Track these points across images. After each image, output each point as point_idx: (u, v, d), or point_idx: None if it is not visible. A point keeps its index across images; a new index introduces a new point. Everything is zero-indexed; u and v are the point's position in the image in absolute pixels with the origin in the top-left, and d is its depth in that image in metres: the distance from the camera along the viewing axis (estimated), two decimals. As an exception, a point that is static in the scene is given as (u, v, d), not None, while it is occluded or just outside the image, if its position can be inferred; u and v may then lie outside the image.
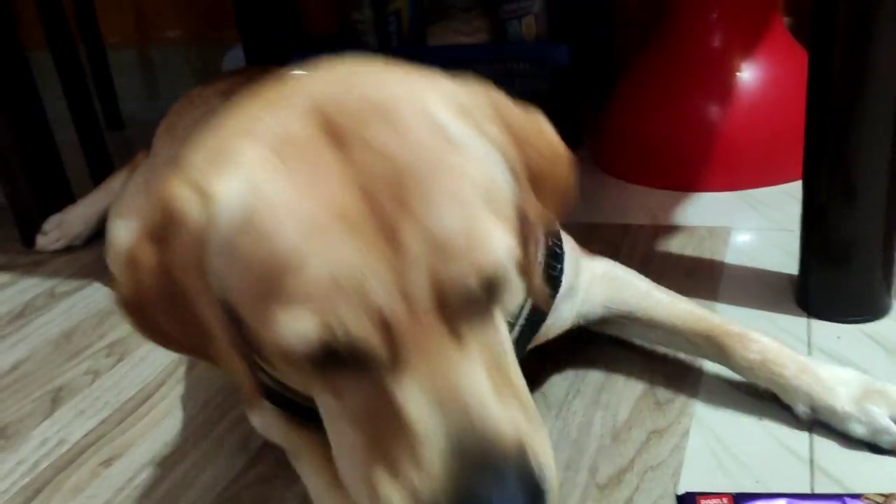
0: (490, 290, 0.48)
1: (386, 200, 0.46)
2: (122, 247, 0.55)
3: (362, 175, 0.46)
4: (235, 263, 0.47)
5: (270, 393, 0.73)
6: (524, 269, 0.54)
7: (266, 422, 0.82)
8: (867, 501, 0.63)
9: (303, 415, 0.73)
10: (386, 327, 0.45)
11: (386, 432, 0.47)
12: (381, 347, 0.46)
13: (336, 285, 0.44)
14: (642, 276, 0.90)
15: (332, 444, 0.53)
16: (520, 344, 0.73)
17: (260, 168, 0.47)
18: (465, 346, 0.48)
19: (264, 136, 0.49)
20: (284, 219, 0.45)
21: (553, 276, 0.76)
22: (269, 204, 0.46)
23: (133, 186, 1.21)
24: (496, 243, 0.47)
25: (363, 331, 0.45)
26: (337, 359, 0.46)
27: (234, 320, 0.50)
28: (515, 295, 0.57)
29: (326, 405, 0.52)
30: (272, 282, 0.45)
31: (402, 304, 0.45)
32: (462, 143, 0.50)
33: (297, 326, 0.44)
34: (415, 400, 0.46)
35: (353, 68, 0.54)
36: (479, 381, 0.47)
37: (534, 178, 0.56)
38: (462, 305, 0.47)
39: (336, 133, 0.48)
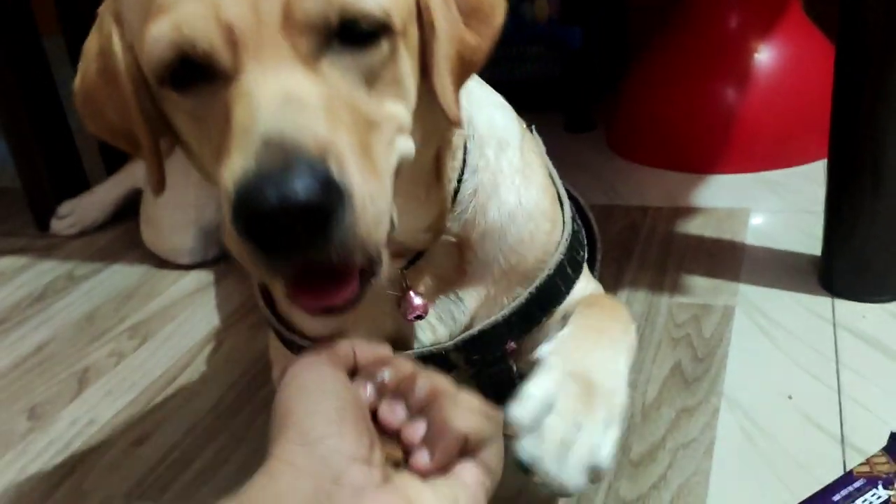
0: (350, 30, 0.49)
1: None
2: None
3: None
4: (131, 2, 0.52)
5: (300, 350, 0.74)
6: (431, 75, 0.55)
7: None
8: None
9: None
10: (233, 36, 0.48)
11: (223, 139, 0.49)
12: (225, 53, 0.48)
13: None
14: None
15: (201, 160, 0.56)
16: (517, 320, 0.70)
17: None
18: (313, 70, 0.49)
19: None
20: None
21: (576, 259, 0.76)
22: None
23: None
24: None
25: (208, 35, 0.47)
26: (192, 72, 0.49)
27: (154, 100, 0.54)
28: (404, 81, 0.55)
29: (188, 130, 0.55)
30: (148, 5, 0.50)
31: (251, 17, 0.47)
32: None
33: (154, 33, 0.49)
34: (242, 99, 0.47)
35: None
36: (309, 92, 0.47)
37: (461, 2, 0.56)
38: (312, 28, 0.48)
39: None
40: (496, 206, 0.69)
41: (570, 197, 0.83)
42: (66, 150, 1.48)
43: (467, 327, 0.68)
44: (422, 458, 0.49)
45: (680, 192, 1.30)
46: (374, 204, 0.48)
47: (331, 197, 0.45)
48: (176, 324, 1.10)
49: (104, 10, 0.56)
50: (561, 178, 0.78)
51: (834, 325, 0.89)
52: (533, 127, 0.78)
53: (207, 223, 1.21)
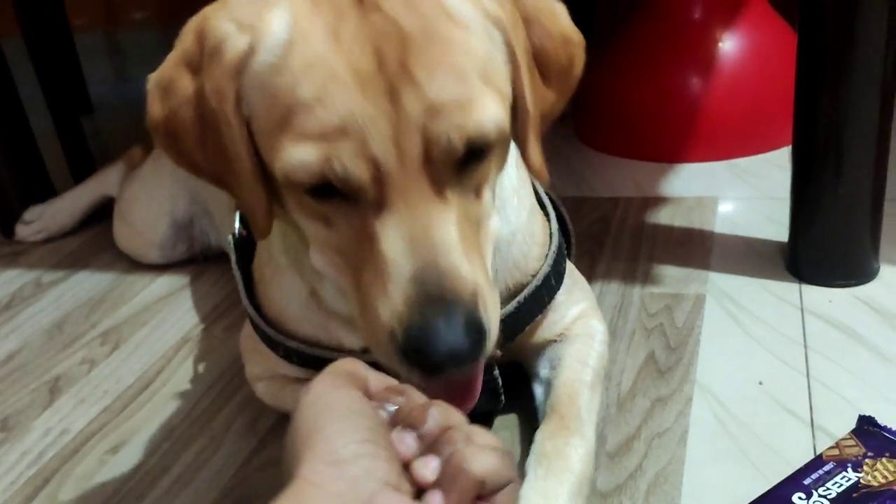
0: (473, 151, 0.54)
1: (392, 63, 0.52)
2: (155, 75, 0.60)
3: (375, 36, 0.52)
4: (265, 95, 0.54)
5: (287, 352, 0.76)
6: (524, 148, 0.62)
7: (274, 390, 0.83)
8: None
9: (307, 362, 0.75)
10: (377, 172, 0.52)
11: (363, 261, 0.55)
12: (370, 186, 0.53)
13: (341, 128, 0.52)
14: (602, 346, 0.81)
15: (317, 257, 0.61)
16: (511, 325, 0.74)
17: (300, 13, 0.54)
18: (445, 201, 0.54)
19: None
20: (313, 63, 0.52)
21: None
22: (304, 47, 0.53)
23: None
24: (483, 109, 0.54)
25: (357, 169, 0.52)
26: (331, 191, 0.54)
27: (257, 153, 0.57)
28: (501, 169, 0.62)
29: (316, 233, 0.59)
30: (290, 116, 0.52)
31: (394, 154, 0.52)
32: (463, 19, 0.55)
33: (301, 156, 0.52)
34: (390, 235, 0.53)
35: None
36: (450, 231, 0.54)
37: (539, 60, 0.61)
38: (446, 162, 0.54)
39: None
40: (506, 223, 0.73)
41: (549, 198, 0.84)
42: (28, 153, 1.45)
43: None
44: (435, 500, 0.46)
45: (649, 182, 1.31)
46: (496, 310, 0.56)
47: (482, 339, 0.53)
48: (148, 329, 1.08)
49: (205, 58, 0.56)
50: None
51: (802, 310, 0.91)
52: None
53: (181, 215, 1.20)
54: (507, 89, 0.57)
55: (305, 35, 0.53)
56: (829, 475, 0.63)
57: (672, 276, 1.01)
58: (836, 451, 0.65)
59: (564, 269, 0.79)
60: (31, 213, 1.42)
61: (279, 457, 0.80)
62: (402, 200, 0.53)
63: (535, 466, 0.67)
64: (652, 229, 1.15)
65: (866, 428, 0.68)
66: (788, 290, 0.95)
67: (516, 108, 0.59)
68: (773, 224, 1.09)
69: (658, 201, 1.24)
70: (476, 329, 0.53)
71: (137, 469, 0.81)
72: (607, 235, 1.15)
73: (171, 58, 0.59)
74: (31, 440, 0.88)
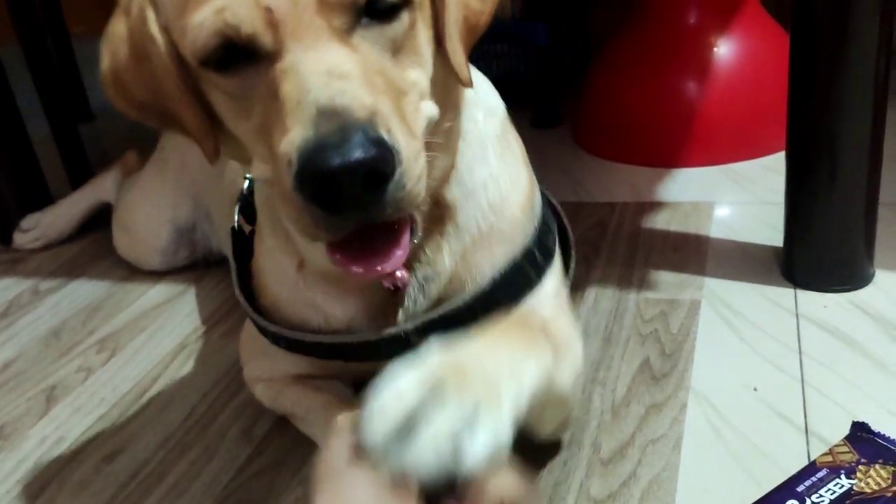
0: (375, 5, 0.54)
1: None
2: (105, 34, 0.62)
3: None
4: None
5: (275, 337, 0.76)
6: (441, 38, 0.60)
7: (274, 391, 0.84)
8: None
9: (293, 346, 0.75)
10: (272, 18, 0.52)
11: (269, 113, 0.54)
12: (267, 35, 0.52)
13: None
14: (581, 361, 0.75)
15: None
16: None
17: None
18: (348, 44, 0.53)
19: None
20: None
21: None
22: None
23: None
24: None
25: (251, 19, 0.52)
26: (235, 57, 0.54)
27: (189, 75, 0.58)
28: (421, 49, 0.59)
29: (227, 107, 0.59)
30: None
31: (287, 2, 0.52)
32: None
33: (197, 19, 0.52)
34: (289, 76, 0.52)
35: None
36: (348, 65, 0.52)
37: None
38: (342, 4, 0.53)
39: None
40: (482, 166, 0.71)
41: (548, 202, 0.84)
42: (26, 160, 1.45)
43: (438, 301, 0.69)
44: None
45: (645, 187, 1.31)
46: (416, 162, 0.53)
47: (385, 155, 0.50)
48: (145, 336, 1.09)
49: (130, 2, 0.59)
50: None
51: (797, 315, 0.91)
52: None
53: (183, 221, 1.20)
54: None
55: None
56: (823, 482, 0.63)
57: (667, 282, 1.02)
58: (829, 458, 0.65)
59: (553, 247, 0.76)
60: (29, 221, 1.42)
61: (275, 463, 0.80)
62: (298, 44, 0.52)
63: (487, 328, 0.60)
64: (648, 234, 1.15)
65: (860, 434, 0.68)
66: (783, 295, 0.95)
67: (434, 4, 0.59)
68: (769, 229, 1.09)
69: (654, 206, 1.24)
70: (374, 143, 0.49)
71: (133, 477, 0.81)
72: (603, 240, 1.15)
73: (115, 12, 0.61)
74: (27, 448, 0.88)
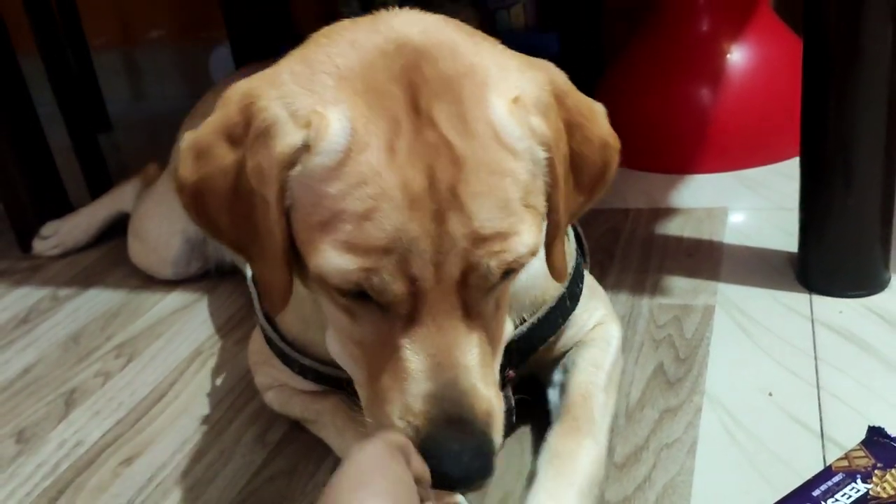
0: (505, 276, 0.56)
1: (443, 185, 0.52)
2: (191, 136, 0.60)
3: (429, 155, 0.53)
4: (313, 195, 0.54)
5: (303, 369, 0.77)
6: (549, 252, 0.64)
7: (283, 398, 0.85)
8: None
9: (322, 380, 0.77)
10: (413, 288, 0.54)
11: (383, 363, 0.56)
12: (404, 305, 0.54)
13: (385, 248, 0.52)
14: (617, 352, 0.82)
15: (333, 344, 0.63)
16: (522, 348, 0.75)
17: (355, 115, 0.53)
18: (471, 322, 0.56)
19: (357, 84, 0.54)
20: (367, 180, 0.52)
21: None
22: (360, 159, 0.52)
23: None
24: (521, 237, 0.55)
25: (394, 286, 0.53)
26: (364, 295, 0.55)
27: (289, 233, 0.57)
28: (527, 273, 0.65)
29: (339, 322, 0.60)
30: (335, 222, 0.53)
31: (432, 274, 0.53)
32: (512, 142, 0.55)
33: (340, 264, 0.53)
34: (415, 350, 0.55)
35: (446, 33, 0.58)
36: (472, 353, 0.56)
37: (575, 164, 0.62)
38: (480, 287, 0.56)
39: (415, 104, 0.54)
40: (524, 271, 0.71)
41: None
42: (46, 170, 1.48)
43: None
44: None
45: (659, 193, 1.31)
46: (501, 421, 0.58)
47: (493, 464, 0.55)
48: (162, 342, 1.10)
49: (251, 135, 0.55)
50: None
51: (812, 321, 0.91)
52: None
53: (194, 233, 1.21)
54: (542, 207, 0.58)
55: (362, 146, 0.52)
56: (839, 486, 0.63)
57: (681, 287, 1.01)
58: (845, 462, 0.65)
59: (580, 291, 0.80)
60: (48, 229, 1.44)
61: (289, 469, 0.81)
62: (431, 318, 0.54)
63: (546, 467, 0.67)
64: (661, 240, 1.15)
65: (876, 439, 0.67)
66: (798, 300, 0.95)
67: (549, 218, 0.60)
68: (783, 234, 1.09)
69: (668, 212, 1.24)
70: (487, 452, 0.54)
71: (150, 480, 0.82)
72: (617, 246, 1.15)
73: (211, 123, 0.58)
74: (46, 452, 0.89)
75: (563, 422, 0.71)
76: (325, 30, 0.61)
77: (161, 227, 1.23)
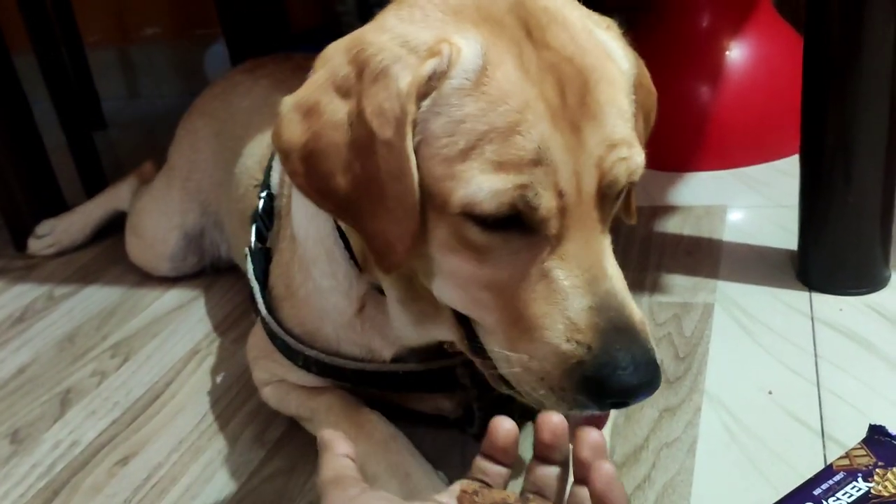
0: (626, 187, 0.58)
1: (573, 97, 0.53)
2: (293, 98, 0.58)
3: (554, 70, 0.54)
4: (451, 120, 0.53)
5: (307, 361, 0.76)
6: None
7: (280, 394, 0.84)
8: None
9: (327, 371, 0.76)
10: (562, 204, 0.53)
11: (528, 296, 0.55)
12: (555, 221, 0.53)
13: (535, 158, 0.52)
14: None
15: (447, 296, 0.60)
16: None
17: (484, 41, 0.54)
18: (605, 231, 0.57)
19: (474, 15, 0.56)
20: (509, 91, 0.52)
21: None
22: (498, 74, 0.53)
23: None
24: (640, 150, 0.57)
25: (548, 201, 0.52)
26: (510, 222, 0.53)
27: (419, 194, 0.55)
28: None
29: (458, 269, 0.57)
30: (480, 143, 0.52)
31: (575, 187, 0.53)
32: (620, 64, 0.59)
33: (494, 185, 0.52)
34: (568, 268, 0.54)
35: None
36: (615, 264, 0.57)
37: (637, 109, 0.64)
38: (611, 196, 0.56)
39: (528, 31, 0.55)
40: None
41: None
42: (41, 168, 1.47)
43: None
44: None
45: (658, 191, 1.31)
46: None
47: (659, 378, 0.54)
48: (158, 341, 1.09)
49: (363, 82, 0.54)
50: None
51: (812, 318, 0.90)
52: None
53: (191, 228, 1.21)
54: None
55: (497, 62, 0.53)
56: (840, 485, 0.62)
57: (680, 285, 1.01)
58: (846, 461, 0.65)
59: None
60: (43, 227, 1.43)
61: (287, 467, 0.80)
62: (579, 233, 0.54)
63: None
64: (660, 238, 1.15)
65: (877, 437, 0.67)
66: (798, 298, 0.94)
67: None
68: (783, 232, 1.09)
69: (667, 210, 1.23)
70: (654, 359, 0.54)
71: (147, 480, 0.81)
72: (616, 244, 1.13)
73: (315, 80, 0.57)
74: (41, 452, 0.89)
75: None
76: None
77: (158, 223, 1.22)
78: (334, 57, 0.57)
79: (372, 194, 0.55)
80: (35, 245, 1.43)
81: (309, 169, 0.57)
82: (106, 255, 1.39)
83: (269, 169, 0.87)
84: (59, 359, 1.08)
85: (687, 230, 1.16)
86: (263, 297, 0.81)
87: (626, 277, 1.07)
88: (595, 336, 0.53)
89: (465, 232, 0.55)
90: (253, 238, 0.83)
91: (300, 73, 0.60)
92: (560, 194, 0.53)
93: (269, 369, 0.85)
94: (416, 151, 0.54)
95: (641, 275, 1.05)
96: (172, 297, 1.21)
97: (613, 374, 0.52)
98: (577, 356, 0.53)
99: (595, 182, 0.54)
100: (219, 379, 0.98)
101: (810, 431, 0.74)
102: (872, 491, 0.61)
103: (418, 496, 0.61)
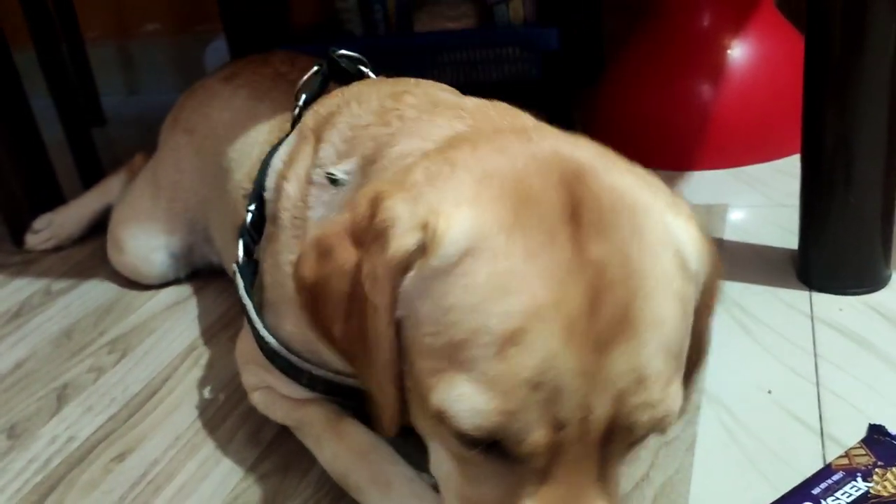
0: (645, 436, 0.47)
1: (609, 308, 0.42)
2: (319, 233, 0.54)
3: (594, 269, 0.43)
4: (434, 304, 0.45)
5: (312, 380, 0.74)
6: None
7: (267, 401, 0.83)
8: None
9: (333, 390, 0.74)
10: (555, 439, 0.43)
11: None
12: (541, 458, 0.44)
13: (533, 383, 0.41)
14: None
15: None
16: None
17: (493, 218, 0.44)
18: (605, 483, 0.46)
19: (503, 185, 0.46)
20: (505, 286, 0.42)
21: None
22: (492, 263, 0.43)
23: None
24: (674, 396, 0.45)
25: (539, 437, 0.42)
26: (492, 447, 0.44)
27: (401, 348, 0.48)
28: None
29: (449, 478, 0.51)
30: (467, 346, 0.43)
31: (579, 422, 0.43)
32: (693, 274, 0.47)
33: (474, 405, 0.42)
34: None
35: (599, 151, 0.53)
36: None
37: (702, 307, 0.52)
38: (622, 444, 0.45)
39: (577, 211, 0.44)
40: None
41: None
42: (40, 164, 1.46)
43: None
44: None
45: (658, 190, 1.30)
46: None
47: None
48: (155, 337, 1.09)
49: (371, 235, 0.49)
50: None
51: (812, 318, 0.90)
52: None
53: (178, 248, 1.17)
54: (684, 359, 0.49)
55: (497, 251, 0.43)
56: (839, 485, 0.62)
57: (680, 284, 1.00)
58: (845, 461, 0.64)
59: None
60: (40, 222, 1.42)
61: (282, 466, 0.80)
62: (566, 476, 0.44)
63: None
64: (660, 237, 1.14)
65: (876, 437, 0.67)
66: (798, 298, 0.94)
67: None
68: (783, 232, 1.08)
69: (666, 209, 1.23)
70: None
71: (143, 477, 0.81)
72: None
73: (340, 221, 0.52)
74: (37, 447, 0.88)
75: None
76: (464, 134, 0.55)
77: (139, 241, 1.17)
78: (362, 201, 0.51)
79: (362, 353, 0.51)
80: (32, 240, 1.42)
81: (315, 308, 0.54)
82: (103, 251, 1.37)
83: (262, 175, 0.82)
84: (56, 354, 1.08)
85: (687, 229, 1.15)
86: (258, 314, 0.78)
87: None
88: None
89: (446, 436, 0.47)
90: (241, 253, 0.81)
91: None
92: (558, 426, 0.42)
93: (258, 374, 0.84)
94: (404, 328, 0.47)
95: (641, 273, 1.04)
96: (169, 294, 1.21)
97: None
98: None
99: (606, 421, 0.43)
100: (215, 377, 0.97)
101: (809, 431, 0.73)
102: (871, 491, 0.61)
103: None
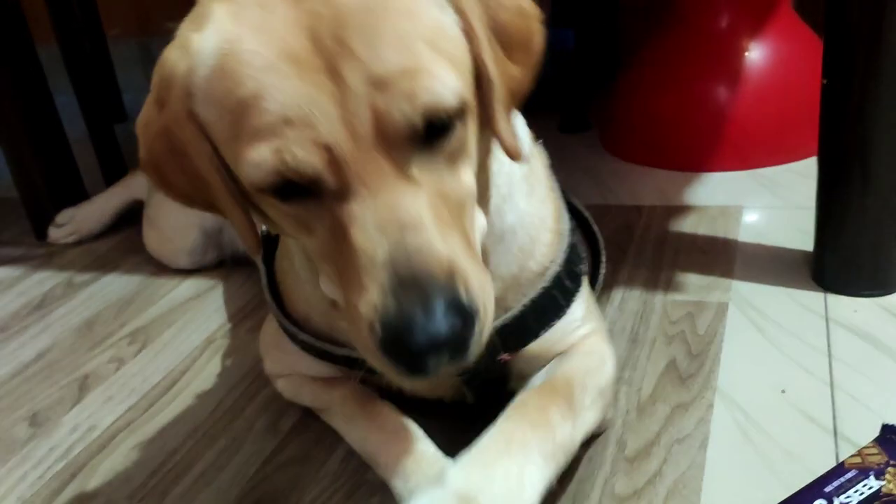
0: (433, 126, 0.51)
1: (328, 40, 0.49)
2: (138, 119, 0.60)
3: (307, 19, 0.50)
4: (214, 107, 0.53)
5: (305, 346, 0.77)
6: (493, 125, 0.57)
7: (294, 386, 0.85)
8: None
9: (325, 357, 0.77)
10: (332, 157, 0.49)
11: (337, 247, 0.52)
12: (329, 175, 0.50)
13: (285, 119, 0.49)
14: (611, 379, 0.76)
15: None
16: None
17: (227, 21, 0.52)
18: (410, 180, 0.51)
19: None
20: (245, 63, 0.50)
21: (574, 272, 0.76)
22: (234, 51, 0.51)
23: None
24: (435, 77, 0.50)
25: (309, 158, 0.49)
26: (296, 189, 0.51)
27: (228, 169, 0.55)
28: (472, 147, 0.57)
29: (305, 245, 0.58)
30: (240, 121, 0.50)
31: (346, 136, 0.49)
32: None
33: (254, 158, 0.50)
34: (357, 223, 0.50)
35: None
36: (419, 209, 0.51)
37: (498, 33, 0.57)
38: (402, 137, 0.50)
39: None
40: (511, 211, 0.70)
41: (576, 209, 0.84)
42: (63, 158, 1.49)
43: None
44: None
45: (674, 191, 1.31)
46: (485, 292, 0.53)
47: (467, 323, 0.50)
48: (175, 329, 1.10)
49: (163, 91, 0.56)
50: (556, 178, 0.80)
51: (826, 319, 0.90)
52: (540, 141, 0.79)
53: (210, 224, 1.22)
54: (464, 59, 0.54)
55: (233, 38, 0.51)
56: (851, 483, 0.62)
57: (695, 284, 1.01)
58: (858, 459, 0.65)
59: (580, 272, 0.77)
60: (63, 216, 1.45)
61: (300, 456, 0.81)
62: (362, 184, 0.50)
63: (508, 413, 0.64)
64: (675, 237, 1.15)
65: (890, 437, 0.67)
66: (813, 299, 0.94)
67: (480, 82, 0.56)
68: (799, 233, 1.08)
69: (682, 210, 1.23)
70: (457, 311, 0.49)
71: (162, 466, 0.83)
72: (630, 243, 1.15)
73: (148, 99, 0.59)
74: (59, 436, 0.90)
75: (541, 388, 0.68)
76: None
77: (177, 218, 1.23)
78: (155, 72, 0.57)
79: (207, 192, 0.58)
80: (55, 234, 1.45)
81: (160, 179, 0.61)
82: (124, 244, 1.40)
83: None
84: (78, 345, 1.10)
85: (702, 230, 1.16)
86: (272, 282, 0.82)
87: (640, 276, 1.08)
88: (381, 296, 0.49)
89: (275, 206, 0.54)
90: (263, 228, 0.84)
91: None
92: (326, 148, 0.49)
93: (282, 361, 0.86)
94: (212, 143, 0.54)
95: (655, 273, 1.05)
96: (189, 286, 1.22)
97: (400, 332, 0.48)
98: (369, 318, 0.50)
99: (370, 125, 0.49)
100: (233, 368, 0.99)
101: (823, 430, 0.74)
102: (883, 489, 0.61)
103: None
